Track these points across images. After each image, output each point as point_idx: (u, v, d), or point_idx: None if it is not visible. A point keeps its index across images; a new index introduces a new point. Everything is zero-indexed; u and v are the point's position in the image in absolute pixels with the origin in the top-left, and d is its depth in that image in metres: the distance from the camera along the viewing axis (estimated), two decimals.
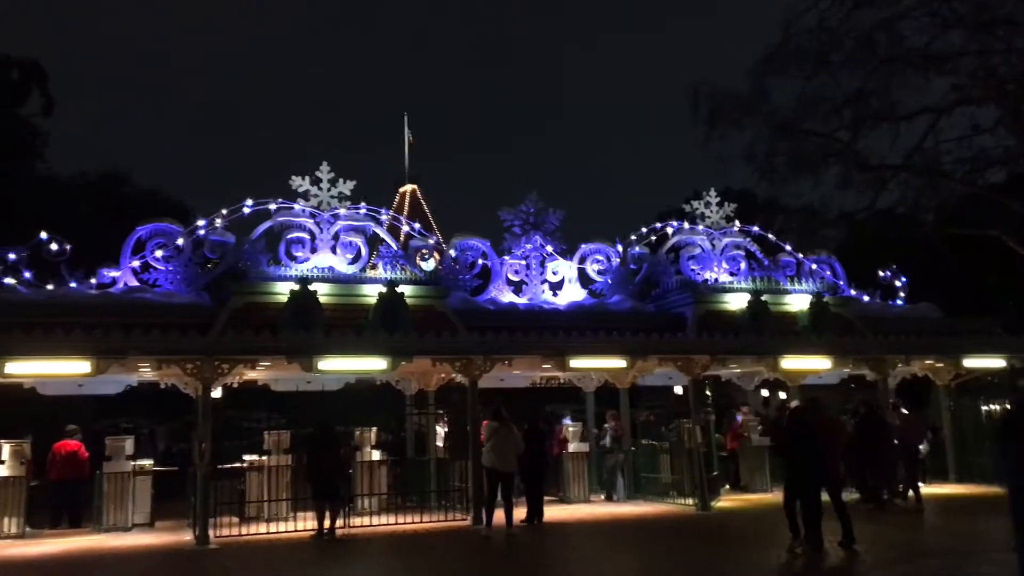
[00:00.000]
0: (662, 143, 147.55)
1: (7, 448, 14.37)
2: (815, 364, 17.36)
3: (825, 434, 11.57)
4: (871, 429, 15.81)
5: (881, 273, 21.25)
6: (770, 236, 19.94)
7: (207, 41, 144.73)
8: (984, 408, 19.85)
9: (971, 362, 18.48)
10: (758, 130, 25.23)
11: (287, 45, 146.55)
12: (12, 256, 14.71)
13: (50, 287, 14.82)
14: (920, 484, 17.86)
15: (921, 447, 18.16)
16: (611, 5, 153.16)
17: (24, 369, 12.93)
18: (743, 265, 18.73)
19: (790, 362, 16.98)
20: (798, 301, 18.32)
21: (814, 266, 19.41)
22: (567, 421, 18.45)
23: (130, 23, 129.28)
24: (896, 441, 16.03)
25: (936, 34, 23.24)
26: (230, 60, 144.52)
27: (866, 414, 16.30)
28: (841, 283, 19.68)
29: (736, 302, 17.84)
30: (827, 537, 10.78)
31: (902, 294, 21.21)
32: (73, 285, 14.91)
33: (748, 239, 19.17)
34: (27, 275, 14.76)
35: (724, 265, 18.63)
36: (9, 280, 14.66)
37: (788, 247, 19.67)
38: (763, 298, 17.71)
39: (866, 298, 20.44)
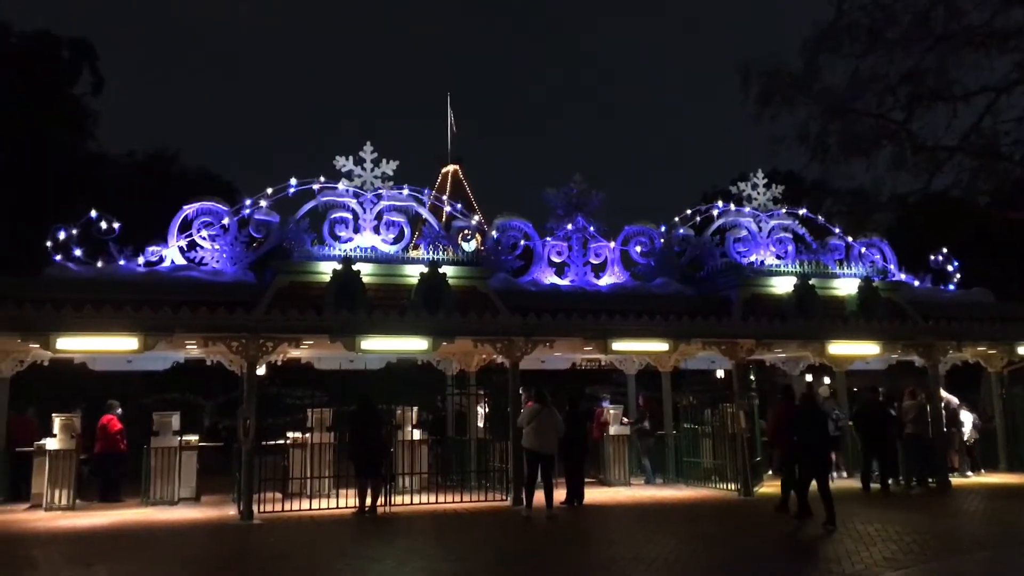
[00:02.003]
0: (707, 123, 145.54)
1: (58, 422, 14.69)
2: (863, 349, 17.05)
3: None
4: (871, 418, 16.00)
5: (933, 257, 20.76)
6: (819, 219, 19.59)
7: (252, 20, 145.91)
8: None
9: None
10: (811, 109, 24.64)
11: (332, 21, 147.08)
12: (63, 234, 15.01)
13: (99, 264, 15.10)
14: (963, 471, 17.74)
15: (966, 432, 17.96)
16: None
17: (74, 345, 13.19)
18: (790, 248, 18.43)
19: (837, 347, 16.69)
20: (846, 285, 17.98)
21: (863, 250, 19.02)
22: (606, 403, 18.37)
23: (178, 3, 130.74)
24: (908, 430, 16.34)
25: (997, 10, 22.40)
26: (274, 37, 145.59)
27: (867, 403, 16.35)
28: (891, 267, 19.27)
29: (783, 286, 17.56)
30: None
31: (955, 279, 20.69)
32: (122, 263, 15.18)
33: (796, 221, 18.83)
34: (77, 252, 15.05)
35: (771, 248, 18.34)
36: (60, 257, 14.97)
37: (837, 230, 19.28)
38: (811, 282, 17.41)
39: (917, 283, 19.99)
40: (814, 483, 12.01)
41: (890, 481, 15.90)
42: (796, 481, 12.36)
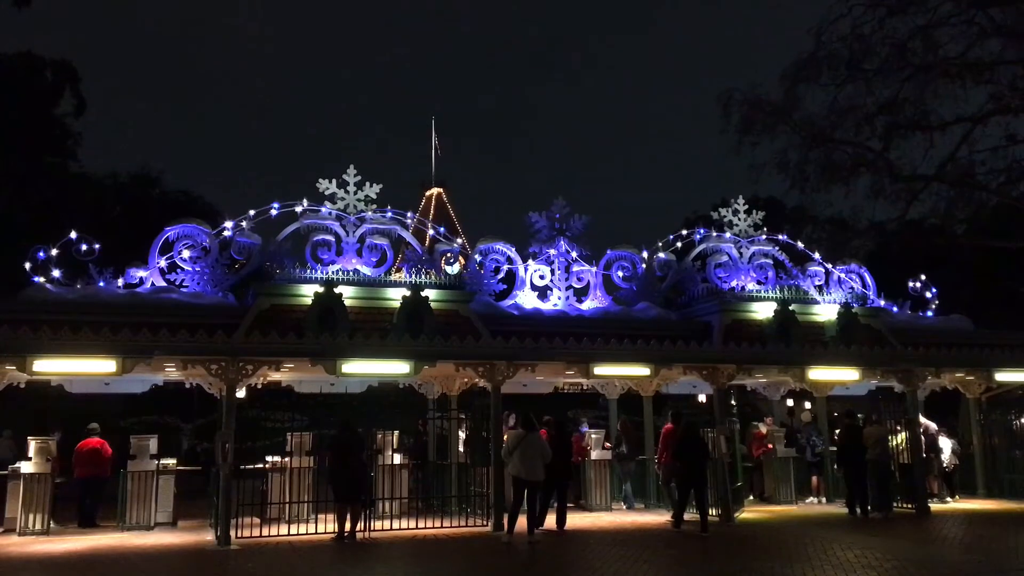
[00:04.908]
0: (687, 150, 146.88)
1: (33, 445, 14.49)
2: (843, 375, 17.12)
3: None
4: (852, 444, 16.06)
5: (911, 284, 20.97)
6: (799, 245, 19.77)
7: (238, 43, 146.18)
8: (1015, 422, 19.49)
9: (1003, 376, 18.13)
10: (790, 138, 24.99)
11: (314, 47, 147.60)
12: (42, 255, 14.90)
13: (79, 286, 14.99)
14: (947, 496, 17.76)
15: (945, 458, 18.03)
16: (634, 5, 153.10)
17: (51, 367, 12.99)
18: (771, 274, 18.58)
19: (817, 373, 16.75)
20: (826, 311, 18.13)
21: (843, 276, 19.20)
22: (585, 429, 18.35)
23: (159, 23, 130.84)
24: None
25: (973, 42, 22.86)
26: (258, 63, 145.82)
27: (848, 428, 16.36)
28: (870, 293, 19.45)
29: (763, 311, 17.68)
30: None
31: (933, 305, 20.90)
32: (101, 284, 15.08)
33: (776, 248, 19.01)
34: (56, 274, 14.94)
35: (752, 274, 18.48)
36: (39, 278, 14.85)
37: (817, 256, 19.46)
38: (791, 308, 17.54)
39: (896, 309, 20.17)
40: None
41: (869, 507, 15.95)
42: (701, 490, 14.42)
